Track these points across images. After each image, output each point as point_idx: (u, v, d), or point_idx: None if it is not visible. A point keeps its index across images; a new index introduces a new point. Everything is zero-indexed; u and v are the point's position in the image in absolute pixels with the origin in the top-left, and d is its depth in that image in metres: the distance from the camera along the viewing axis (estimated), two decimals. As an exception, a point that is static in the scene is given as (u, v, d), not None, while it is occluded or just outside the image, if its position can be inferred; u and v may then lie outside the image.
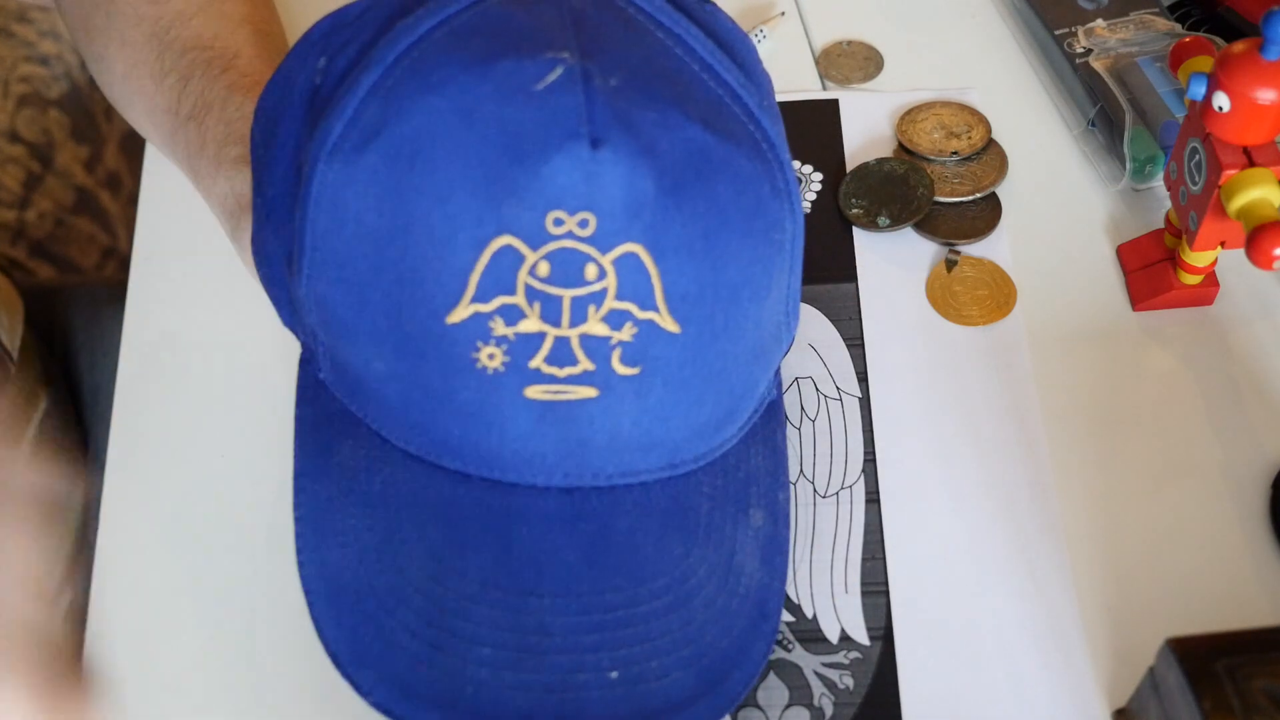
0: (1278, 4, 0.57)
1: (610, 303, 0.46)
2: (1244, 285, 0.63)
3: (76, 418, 0.77)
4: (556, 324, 0.45)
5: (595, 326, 0.46)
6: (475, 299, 0.45)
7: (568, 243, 0.44)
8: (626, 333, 0.46)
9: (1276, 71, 0.52)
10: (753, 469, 0.53)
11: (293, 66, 0.52)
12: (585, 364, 0.46)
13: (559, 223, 0.44)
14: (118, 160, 1.05)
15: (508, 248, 0.44)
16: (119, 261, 1.09)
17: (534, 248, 0.44)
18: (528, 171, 0.44)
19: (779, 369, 0.55)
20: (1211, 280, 0.62)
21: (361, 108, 0.46)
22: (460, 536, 0.49)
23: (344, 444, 0.51)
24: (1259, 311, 0.62)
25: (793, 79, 0.72)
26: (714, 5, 0.52)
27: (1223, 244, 0.58)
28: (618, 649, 0.48)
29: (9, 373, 0.69)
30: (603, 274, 0.45)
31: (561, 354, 0.46)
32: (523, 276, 0.45)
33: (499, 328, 0.45)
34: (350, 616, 0.48)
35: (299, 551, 0.49)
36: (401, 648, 0.47)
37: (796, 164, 0.68)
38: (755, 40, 0.73)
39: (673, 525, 0.50)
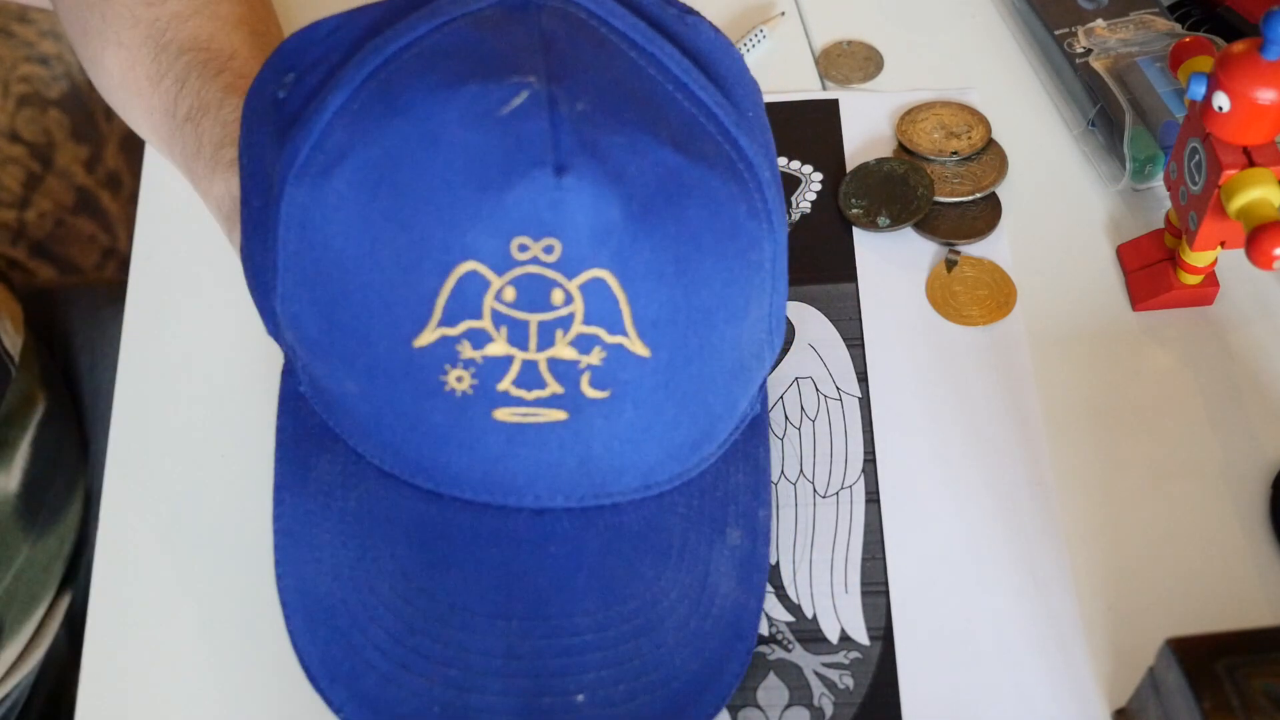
0: (1278, 4, 0.57)
1: (578, 327, 0.45)
2: (1244, 285, 0.63)
3: (76, 419, 0.77)
4: (524, 348, 0.45)
5: (563, 350, 0.46)
6: (442, 323, 0.45)
7: (533, 268, 0.44)
8: (595, 357, 0.46)
9: (1276, 71, 0.52)
10: (732, 487, 0.53)
11: (266, 79, 0.52)
12: (554, 387, 0.46)
13: (524, 249, 0.44)
14: (118, 160, 1.05)
15: (473, 273, 0.44)
16: (119, 261, 1.09)
17: (499, 273, 0.44)
18: (491, 198, 0.44)
19: (764, 385, 0.55)
20: (1211, 280, 0.62)
21: (328, 130, 0.46)
22: (430, 557, 0.49)
23: (322, 458, 0.51)
24: (1259, 311, 0.62)
25: (793, 79, 0.72)
26: (697, 18, 0.51)
27: (1223, 244, 0.58)
28: (584, 673, 0.48)
29: (9, 378, 0.69)
30: (569, 299, 0.45)
31: (529, 377, 0.46)
32: (489, 301, 0.45)
33: (466, 351, 0.45)
34: (324, 632, 0.48)
35: (277, 564, 0.49)
36: (372, 666, 0.47)
37: (796, 164, 0.68)
38: (755, 40, 0.73)
39: (644, 547, 0.50)
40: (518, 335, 0.45)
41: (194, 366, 0.62)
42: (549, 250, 0.44)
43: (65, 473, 0.73)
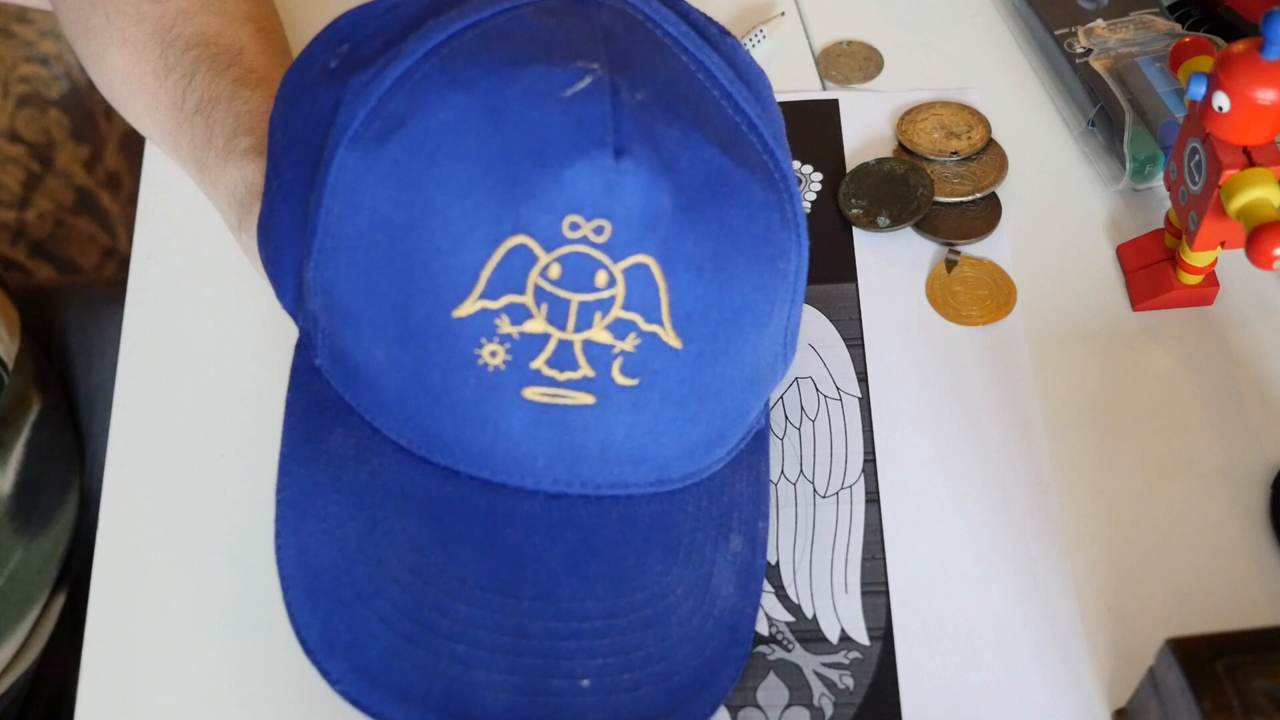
0: (1278, 4, 0.57)
1: (617, 311, 0.46)
2: (1244, 285, 0.63)
3: (71, 420, 0.77)
4: (562, 327, 0.46)
5: (599, 334, 0.46)
6: (484, 295, 0.45)
7: (581, 248, 0.45)
8: (629, 343, 0.47)
9: (1276, 71, 0.52)
10: (736, 495, 0.53)
11: (315, 52, 0.52)
12: (585, 370, 0.47)
13: (575, 227, 0.45)
14: (118, 160, 1.06)
15: (521, 247, 0.45)
16: (119, 261, 1.09)
17: (548, 249, 0.45)
18: (549, 174, 0.44)
19: (768, 400, 0.56)
20: (1211, 280, 0.62)
21: (386, 98, 0.47)
22: (444, 532, 0.49)
23: (334, 431, 0.51)
24: (1259, 311, 0.62)
25: (793, 79, 0.72)
26: (734, 40, 0.52)
27: (1223, 244, 0.58)
28: (592, 658, 0.48)
29: (2, 386, 0.69)
30: (612, 282, 0.45)
31: (563, 357, 0.46)
32: (533, 277, 0.45)
33: (504, 326, 0.46)
34: (325, 603, 0.48)
35: (278, 535, 0.49)
36: (374, 638, 0.47)
37: (796, 164, 0.68)
38: (755, 40, 0.73)
39: (655, 541, 0.50)
40: (557, 314, 0.46)
41: (194, 366, 0.62)
42: (599, 231, 0.45)
43: (59, 474, 0.73)
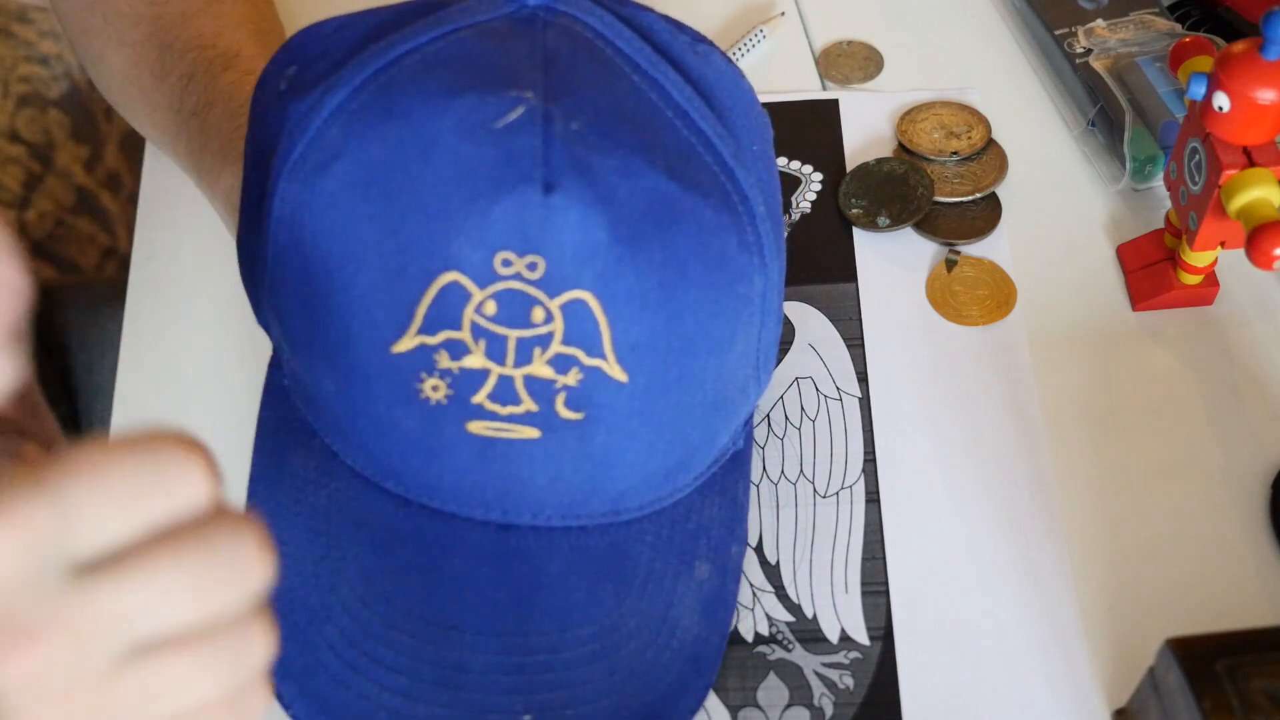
0: (1278, 4, 0.57)
1: (556, 347, 0.45)
2: (1244, 285, 0.63)
3: (73, 420, 0.76)
4: (501, 363, 0.45)
5: (540, 369, 0.46)
6: (421, 331, 0.45)
7: (515, 284, 0.44)
8: (572, 378, 0.46)
9: (1276, 71, 0.52)
10: (705, 520, 0.52)
11: (272, 71, 0.52)
12: (528, 404, 0.46)
13: (507, 264, 0.44)
14: (118, 160, 1.05)
15: (455, 284, 0.44)
16: (119, 261, 1.09)
17: (481, 286, 0.44)
18: (478, 210, 0.44)
19: (748, 421, 0.55)
20: (1211, 280, 0.62)
21: (324, 129, 0.46)
22: (392, 561, 0.49)
23: (298, 452, 0.51)
24: (1259, 311, 0.62)
25: (793, 79, 0.72)
26: (709, 47, 0.51)
27: (1223, 244, 0.58)
28: (534, 693, 0.47)
29: None
30: (550, 318, 0.45)
31: (505, 392, 0.46)
32: (469, 313, 0.45)
33: (443, 361, 0.45)
34: (282, 627, 0.48)
35: None
36: (324, 666, 0.47)
37: (796, 164, 0.68)
38: (755, 40, 0.73)
39: (608, 573, 0.50)
40: (496, 350, 0.45)
41: (193, 366, 0.62)
42: (532, 267, 0.44)
43: None
